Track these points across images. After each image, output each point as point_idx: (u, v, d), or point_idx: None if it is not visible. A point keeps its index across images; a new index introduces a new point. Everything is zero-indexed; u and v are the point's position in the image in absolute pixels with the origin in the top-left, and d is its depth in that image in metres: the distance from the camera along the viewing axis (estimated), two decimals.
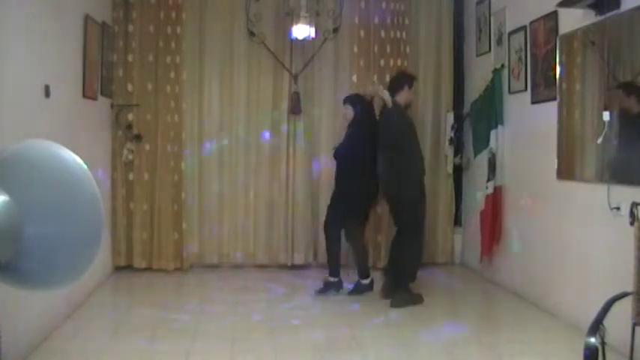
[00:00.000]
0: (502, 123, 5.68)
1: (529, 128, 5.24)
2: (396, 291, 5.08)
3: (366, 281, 5.46)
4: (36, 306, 3.80)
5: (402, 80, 5.35)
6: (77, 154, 2.24)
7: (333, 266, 5.48)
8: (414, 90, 5.41)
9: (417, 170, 5.23)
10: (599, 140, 4.00)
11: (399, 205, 5.23)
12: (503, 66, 5.68)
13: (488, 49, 6.10)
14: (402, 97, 5.25)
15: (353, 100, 5.62)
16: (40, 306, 3.90)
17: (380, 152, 5.26)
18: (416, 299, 5.10)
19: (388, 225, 6.40)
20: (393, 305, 4.98)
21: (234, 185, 6.50)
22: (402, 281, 5.13)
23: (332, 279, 5.46)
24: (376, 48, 6.46)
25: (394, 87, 5.30)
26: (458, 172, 6.72)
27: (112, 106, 6.05)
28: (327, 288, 5.43)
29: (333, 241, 5.50)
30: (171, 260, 6.21)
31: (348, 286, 5.49)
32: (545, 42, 4.87)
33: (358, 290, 5.42)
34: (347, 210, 5.43)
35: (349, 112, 5.55)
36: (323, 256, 6.56)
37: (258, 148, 6.51)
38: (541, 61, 4.96)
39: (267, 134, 6.51)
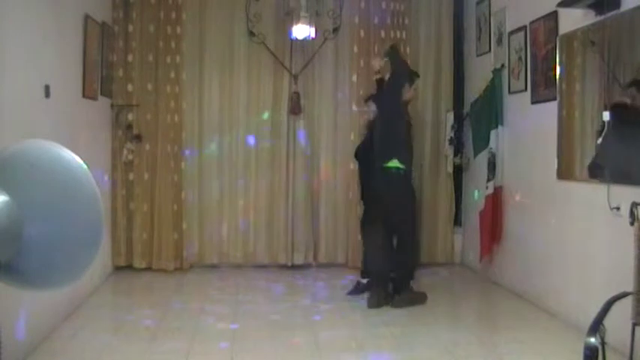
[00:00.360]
0: (502, 123, 5.68)
1: (529, 128, 5.24)
2: (388, 298, 5.02)
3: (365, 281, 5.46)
4: (36, 306, 3.79)
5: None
6: (77, 154, 2.25)
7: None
8: (415, 87, 5.35)
9: (409, 170, 5.12)
10: (600, 140, 4.00)
11: (391, 206, 5.12)
12: (503, 66, 5.68)
13: (488, 49, 6.10)
14: (402, 94, 5.16)
15: (376, 98, 5.61)
16: (40, 306, 3.89)
17: (375, 150, 5.22)
18: (419, 298, 5.07)
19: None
20: (395, 305, 4.96)
21: (234, 185, 6.50)
22: (403, 282, 5.09)
23: (364, 281, 5.47)
24: (376, 48, 6.45)
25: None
26: (458, 172, 6.72)
27: (112, 106, 6.05)
28: (362, 288, 5.42)
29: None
30: (172, 260, 6.21)
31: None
32: (545, 42, 4.87)
33: (358, 290, 5.41)
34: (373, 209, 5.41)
35: (372, 109, 5.54)
36: (323, 256, 6.59)
37: (258, 148, 6.51)
38: (541, 61, 4.96)
39: (266, 134, 6.50)
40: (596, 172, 4.28)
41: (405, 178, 5.07)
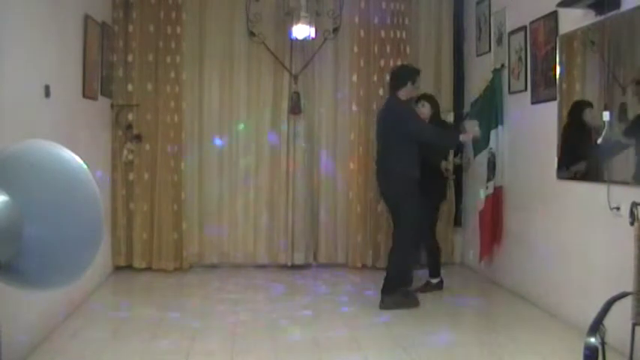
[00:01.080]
0: (502, 123, 5.67)
1: (529, 128, 5.24)
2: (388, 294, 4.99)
3: (435, 280, 5.59)
4: (36, 306, 3.79)
5: (404, 76, 5.18)
6: (77, 154, 2.24)
7: (433, 267, 5.60)
8: (417, 85, 5.29)
9: (410, 171, 5.01)
10: (599, 140, 4.00)
11: (391, 207, 5.20)
12: (503, 66, 5.68)
13: (488, 49, 6.10)
14: (405, 93, 5.13)
15: (431, 99, 5.66)
16: (40, 306, 3.89)
17: (380, 150, 5.24)
18: (410, 302, 5.01)
19: (388, 224, 6.41)
20: (382, 307, 4.92)
21: (234, 185, 6.50)
22: (392, 283, 5.01)
23: (434, 280, 5.57)
24: (376, 48, 6.46)
25: (397, 83, 5.16)
26: (458, 172, 6.70)
27: (112, 106, 6.05)
28: (429, 288, 5.53)
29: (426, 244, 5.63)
30: (172, 260, 6.21)
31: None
32: (545, 42, 4.87)
33: (425, 288, 5.53)
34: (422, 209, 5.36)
35: (426, 110, 5.52)
36: (323, 256, 6.60)
37: (258, 148, 6.51)
38: (541, 61, 4.96)
39: (267, 134, 6.51)
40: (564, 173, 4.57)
41: (407, 181, 5.00)
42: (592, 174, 4.33)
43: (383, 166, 5.17)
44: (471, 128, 5.39)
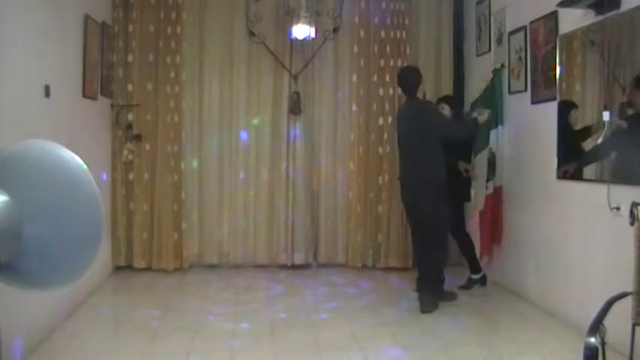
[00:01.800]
0: (502, 123, 5.68)
1: (529, 128, 5.24)
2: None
3: (476, 276, 5.67)
4: (36, 306, 3.79)
5: (416, 76, 5.18)
6: (77, 154, 2.24)
7: (471, 263, 5.69)
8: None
9: (436, 174, 5.00)
10: (600, 140, 4.00)
11: (420, 217, 5.14)
12: (503, 66, 5.68)
13: (488, 49, 6.10)
14: (421, 93, 5.18)
15: (450, 100, 5.70)
16: (40, 306, 3.89)
17: (401, 153, 5.30)
18: (425, 302, 4.98)
19: (388, 224, 6.41)
20: (426, 310, 4.90)
21: (234, 185, 6.50)
22: (430, 283, 5.06)
23: (475, 276, 5.68)
24: (376, 48, 6.46)
25: (411, 86, 5.13)
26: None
27: (112, 106, 6.05)
28: (471, 284, 5.66)
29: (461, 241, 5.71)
30: (172, 260, 6.21)
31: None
32: (545, 42, 4.87)
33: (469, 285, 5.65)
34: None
35: (446, 112, 5.56)
36: (323, 256, 6.60)
37: (258, 147, 6.51)
38: (541, 61, 4.96)
39: (266, 134, 6.51)
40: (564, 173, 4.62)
41: (435, 184, 4.98)
42: (581, 174, 4.40)
43: (409, 170, 5.14)
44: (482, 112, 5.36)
